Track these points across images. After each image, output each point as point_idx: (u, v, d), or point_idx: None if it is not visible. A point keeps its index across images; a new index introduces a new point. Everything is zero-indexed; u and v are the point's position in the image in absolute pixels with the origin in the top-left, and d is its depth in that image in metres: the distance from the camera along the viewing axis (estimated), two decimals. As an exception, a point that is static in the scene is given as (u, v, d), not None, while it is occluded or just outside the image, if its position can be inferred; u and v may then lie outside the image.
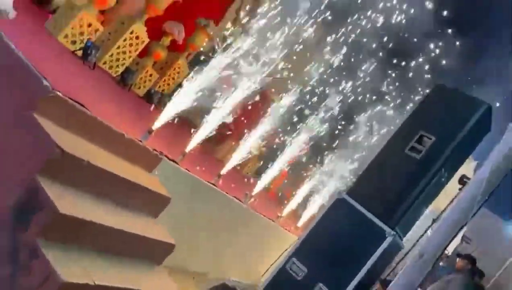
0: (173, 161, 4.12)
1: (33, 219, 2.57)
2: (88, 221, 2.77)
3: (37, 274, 2.45)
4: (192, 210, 4.46)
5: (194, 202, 4.45)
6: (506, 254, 12.30)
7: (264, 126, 6.63)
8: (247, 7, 8.58)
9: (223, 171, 5.11)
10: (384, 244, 3.65)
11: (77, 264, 2.65)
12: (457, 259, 6.56)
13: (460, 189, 4.86)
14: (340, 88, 9.59)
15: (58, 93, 2.91)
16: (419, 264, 2.87)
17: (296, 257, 3.88)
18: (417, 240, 5.03)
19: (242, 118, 7.99)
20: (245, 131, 6.65)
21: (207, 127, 4.96)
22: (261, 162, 10.51)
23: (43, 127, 2.77)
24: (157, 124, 3.95)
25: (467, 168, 7.59)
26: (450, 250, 7.41)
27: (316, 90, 9.79)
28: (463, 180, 4.93)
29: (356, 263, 3.68)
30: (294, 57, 7.98)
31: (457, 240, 8.51)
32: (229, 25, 8.68)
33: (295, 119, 8.68)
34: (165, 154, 3.98)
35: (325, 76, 9.53)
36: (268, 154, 9.83)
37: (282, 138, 9.00)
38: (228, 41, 5.38)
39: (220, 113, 5.16)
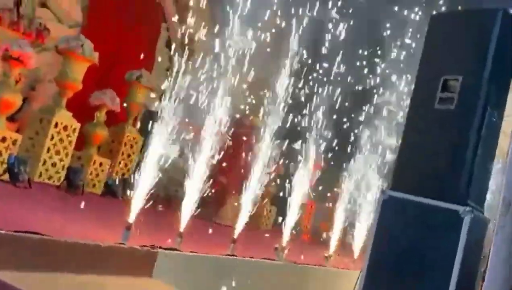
0: (172, 249, 4.08)
1: None
2: None
3: None
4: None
5: (220, 286, 4.38)
6: None
7: (260, 161, 6.59)
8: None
9: (236, 235, 5.06)
10: (464, 228, 3.58)
11: None
12: None
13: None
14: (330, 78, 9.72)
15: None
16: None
17: (371, 287, 3.81)
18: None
19: (231, 165, 8.03)
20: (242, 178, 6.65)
21: (192, 193, 4.93)
22: (275, 207, 10.51)
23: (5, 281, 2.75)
24: (133, 215, 3.92)
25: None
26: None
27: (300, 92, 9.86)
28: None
29: (443, 265, 3.61)
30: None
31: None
32: (166, 63, 8.83)
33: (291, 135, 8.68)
34: (158, 246, 3.94)
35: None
36: (278, 192, 9.83)
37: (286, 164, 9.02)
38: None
39: (201, 169, 5.15)
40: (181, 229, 4.35)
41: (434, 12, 4.29)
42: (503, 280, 2.29)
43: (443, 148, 3.83)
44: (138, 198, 4.23)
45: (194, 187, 5.05)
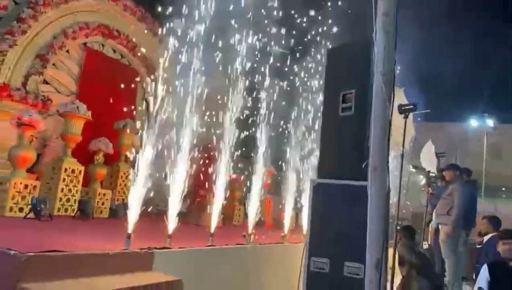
0: (164, 248, 4.11)
1: None
2: None
3: None
4: (209, 278, 4.42)
5: (206, 270, 4.42)
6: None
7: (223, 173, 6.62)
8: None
9: (213, 230, 5.10)
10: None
11: None
12: (443, 173, 6.76)
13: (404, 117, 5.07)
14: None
15: (29, 254, 2.90)
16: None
17: (314, 256, 3.92)
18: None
19: (206, 179, 8.05)
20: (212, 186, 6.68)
21: (174, 203, 4.95)
22: (243, 205, 10.57)
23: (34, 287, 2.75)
24: (130, 227, 3.94)
25: (399, 96, 7.92)
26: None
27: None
28: (401, 109, 5.17)
29: (359, 229, 3.73)
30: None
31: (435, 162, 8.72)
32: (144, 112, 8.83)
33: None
34: (153, 247, 3.96)
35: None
36: (243, 194, 9.89)
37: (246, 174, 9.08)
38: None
39: (178, 185, 5.17)
40: (170, 232, 4.39)
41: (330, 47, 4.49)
42: (378, 231, 2.33)
43: (349, 143, 4.01)
44: (133, 213, 4.25)
45: (176, 201, 5.08)
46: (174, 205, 4.91)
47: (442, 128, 16.20)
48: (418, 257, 4.60)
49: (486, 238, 5.31)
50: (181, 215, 7.44)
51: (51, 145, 8.38)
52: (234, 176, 9.06)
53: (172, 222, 4.57)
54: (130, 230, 3.88)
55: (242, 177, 10.10)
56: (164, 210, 8.01)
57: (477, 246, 5.67)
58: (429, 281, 4.43)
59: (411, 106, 4.84)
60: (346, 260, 3.79)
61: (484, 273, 3.72)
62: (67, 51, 8.81)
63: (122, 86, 9.13)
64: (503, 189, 17.39)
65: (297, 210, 9.55)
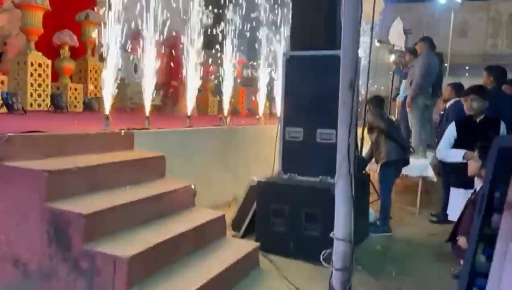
0: (143, 128, 4.16)
1: (70, 236, 2.66)
2: (111, 207, 2.87)
3: (106, 269, 2.58)
4: (190, 155, 4.57)
5: (186, 148, 4.55)
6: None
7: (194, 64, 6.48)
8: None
9: (189, 113, 5.15)
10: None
11: (127, 242, 2.77)
12: (415, 46, 6.77)
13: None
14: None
15: (9, 134, 2.90)
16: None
17: (288, 126, 4.06)
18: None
19: (177, 70, 7.92)
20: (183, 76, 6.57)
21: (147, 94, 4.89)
22: (218, 97, 10.58)
23: (18, 166, 2.80)
24: (107, 108, 3.94)
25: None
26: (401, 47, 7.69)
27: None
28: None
29: (333, 98, 3.83)
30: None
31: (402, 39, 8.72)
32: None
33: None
34: (132, 128, 4.01)
35: None
36: (218, 86, 9.83)
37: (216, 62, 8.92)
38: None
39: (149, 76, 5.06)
40: (147, 114, 4.42)
41: None
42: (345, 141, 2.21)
43: (320, 13, 3.95)
44: (107, 101, 4.21)
45: (150, 90, 5.02)
46: (148, 96, 4.85)
47: (410, 8, 16.01)
48: (387, 122, 4.83)
49: (448, 104, 5.56)
50: (155, 107, 7.44)
51: (12, 43, 7.96)
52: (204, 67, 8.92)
53: (148, 106, 4.57)
54: (107, 112, 3.88)
55: (211, 68, 9.95)
56: (138, 104, 7.96)
57: (440, 112, 5.97)
58: (397, 144, 4.71)
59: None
60: (319, 128, 3.96)
61: (451, 129, 3.95)
62: None
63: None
64: (467, 67, 17.80)
65: (271, 100, 9.65)
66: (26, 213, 2.75)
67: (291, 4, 4.25)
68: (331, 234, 1.66)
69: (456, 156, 3.81)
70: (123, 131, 3.85)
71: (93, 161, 3.23)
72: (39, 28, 6.19)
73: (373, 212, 5.19)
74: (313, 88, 3.98)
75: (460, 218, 3.17)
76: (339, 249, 1.58)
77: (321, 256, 1.68)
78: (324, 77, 3.92)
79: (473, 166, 3.21)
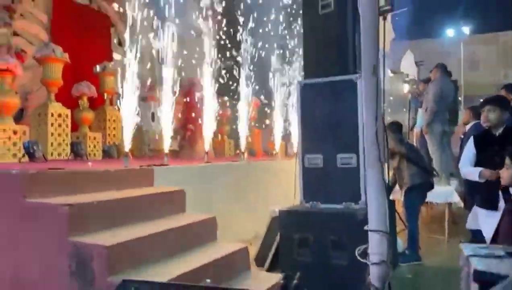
0: (163, 165, 4.17)
1: (94, 269, 2.60)
2: (134, 239, 2.82)
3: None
4: (208, 191, 4.53)
5: (205, 183, 4.52)
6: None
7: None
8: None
9: (207, 149, 5.17)
10: (359, 89, 3.77)
11: (151, 274, 2.70)
12: (430, 73, 6.75)
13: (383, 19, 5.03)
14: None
15: (32, 171, 2.93)
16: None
17: (307, 153, 4.02)
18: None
19: (194, 115, 8.06)
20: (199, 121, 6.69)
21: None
22: (232, 140, 10.66)
23: (40, 202, 2.80)
24: (127, 146, 3.97)
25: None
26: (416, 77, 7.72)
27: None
28: (379, 10, 5.11)
29: (351, 120, 3.81)
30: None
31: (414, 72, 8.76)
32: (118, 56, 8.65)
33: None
34: (152, 164, 4.02)
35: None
36: (233, 129, 9.92)
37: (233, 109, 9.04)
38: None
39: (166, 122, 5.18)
40: (166, 151, 4.45)
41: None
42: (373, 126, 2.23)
43: (331, 39, 4.00)
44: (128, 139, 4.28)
45: (167, 134, 5.11)
46: (166, 137, 4.93)
47: (418, 44, 16.21)
48: (407, 147, 4.76)
49: (468, 126, 5.47)
50: (173, 152, 7.50)
51: (33, 98, 8.23)
52: (220, 111, 9.05)
53: (166, 144, 4.61)
54: (127, 149, 3.91)
55: (228, 112, 10.11)
56: (156, 149, 8.03)
57: (461, 136, 5.86)
58: (419, 167, 4.60)
59: (389, 7, 4.80)
60: (338, 153, 3.90)
61: (469, 145, 3.79)
62: (32, 0, 8.45)
63: (95, 31, 8.86)
64: (480, 100, 17.71)
65: (286, 140, 9.67)
66: (49, 248, 2.72)
67: (302, 32, 4.32)
68: (365, 227, 1.57)
69: (473, 175, 3.63)
70: (142, 167, 3.85)
71: (113, 196, 3.22)
72: (59, 80, 6.39)
73: (401, 242, 5.01)
74: (329, 114, 3.95)
75: (497, 230, 3.02)
76: (375, 242, 1.50)
77: (356, 251, 1.58)
78: (339, 102, 3.92)
79: (507, 174, 3.05)
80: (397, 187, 4.91)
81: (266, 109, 11.14)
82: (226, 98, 9.99)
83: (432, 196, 5.24)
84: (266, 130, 11.23)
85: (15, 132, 5.48)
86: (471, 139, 3.81)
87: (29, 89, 8.08)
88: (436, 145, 6.03)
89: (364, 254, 1.54)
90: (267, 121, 10.86)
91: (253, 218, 5.17)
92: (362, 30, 1.91)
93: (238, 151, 5.76)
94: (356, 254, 1.55)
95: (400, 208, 5.34)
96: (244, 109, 7.69)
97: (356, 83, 3.79)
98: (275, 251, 4.08)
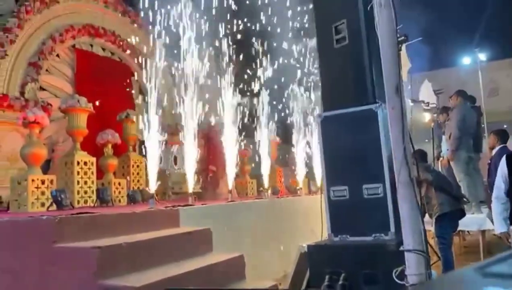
0: (188, 205, 4.17)
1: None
2: (163, 280, 2.79)
3: None
4: (234, 229, 4.49)
5: (230, 222, 4.49)
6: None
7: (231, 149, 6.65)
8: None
9: (230, 188, 5.18)
10: (380, 118, 3.76)
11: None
12: (449, 98, 6.71)
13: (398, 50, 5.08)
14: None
15: (61, 216, 2.97)
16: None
17: (332, 185, 3.97)
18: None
19: (215, 156, 8.13)
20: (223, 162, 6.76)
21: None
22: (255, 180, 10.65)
23: (69, 246, 2.82)
24: (152, 188, 4.01)
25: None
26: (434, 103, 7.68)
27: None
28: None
29: (375, 150, 3.78)
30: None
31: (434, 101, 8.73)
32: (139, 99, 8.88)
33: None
34: (177, 205, 4.03)
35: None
36: (255, 168, 9.94)
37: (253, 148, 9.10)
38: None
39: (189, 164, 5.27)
40: (190, 191, 4.46)
41: None
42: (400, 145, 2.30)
43: (349, 69, 4.04)
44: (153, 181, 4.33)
45: (190, 175, 5.17)
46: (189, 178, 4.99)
47: (435, 74, 16.19)
48: (434, 174, 4.66)
49: (494, 151, 5.35)
50: (197, 194, 7.51)
51: (59, 149, 8.46)
52: (241, 150, 9.10)
53: (191, 184, 4.64)
54: (152, 191, 3.94)
55: (247, 151, 10.14)
56: (179, 192, 8.07)
57: (488, 162, 5.73)
58: (448, 195, 4.49)
59: (403, 37, 4.86)
60: (364, 183, 3.84)
61: (502, 165, 3.70)
62: (57, 55, 8.85)
63: (117, 82, 9.19)
64: (505, 126, 17.40)
65: (310, 176, 9.60)
66: (79, 292, 2.71)
67: (318, 65, 4.37)
68: (401, 248, 1.52)
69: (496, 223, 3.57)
70: (168, 208, 3.86)
71: (141, 238, 3.22)
72: (84, 129, 6.56)
73: (436, 274, 4.81)
74: (351, 145, 3.92)
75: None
76: (412, 262, 1.44)
77: (393, 273, 1.52)
78: (360, 132, 3.89)
79: None
80: (427, 217, 4.78)
81: (285, 146, 11.18)
82: (244, 137, 10.06)
83: (465, 225, 5.07)
84: (287, 168, 11.22)
85: (43, 182, 5.59)
86: (503, 159, 3.73)
87: (55, 140, 8.33)
88: (463, 172, 5.90)
89: (402, 276, 1.47)
90: (288, 158, 10.88)
91: (281, 255, 5.08)
92: (382, 54, 1.94)
93: (261, 189, 5.73)
94: (394, 276, 1.49)
95: (431, 240, 5.17)
96: (265, 148, 7.73)
97: (377, 112, 3.78)
98: (306, 287, 3.95)
